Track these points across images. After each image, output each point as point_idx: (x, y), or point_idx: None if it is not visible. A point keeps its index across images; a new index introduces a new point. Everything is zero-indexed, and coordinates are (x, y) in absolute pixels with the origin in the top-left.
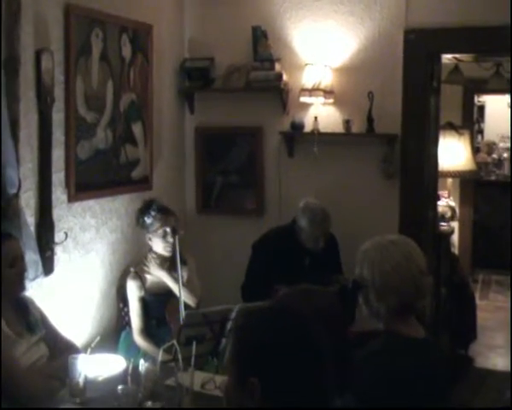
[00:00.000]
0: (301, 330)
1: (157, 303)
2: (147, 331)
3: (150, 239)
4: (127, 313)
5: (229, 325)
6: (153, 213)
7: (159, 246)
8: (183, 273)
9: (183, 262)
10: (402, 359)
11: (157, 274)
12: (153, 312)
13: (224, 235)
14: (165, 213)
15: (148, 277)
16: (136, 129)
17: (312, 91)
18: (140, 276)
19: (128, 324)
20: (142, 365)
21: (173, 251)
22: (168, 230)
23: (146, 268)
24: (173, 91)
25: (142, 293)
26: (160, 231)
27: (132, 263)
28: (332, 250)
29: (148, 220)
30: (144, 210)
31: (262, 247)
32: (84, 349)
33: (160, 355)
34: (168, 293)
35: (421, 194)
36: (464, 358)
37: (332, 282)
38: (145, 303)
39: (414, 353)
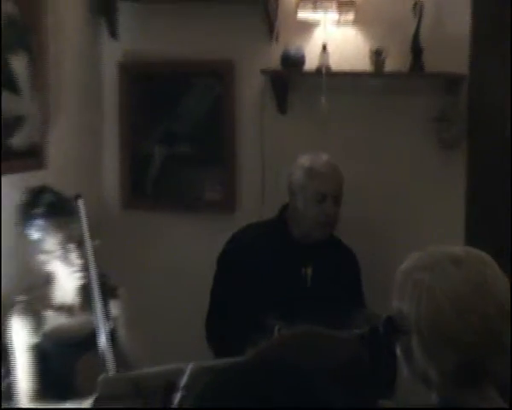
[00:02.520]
0: (302, 401)
1: (62, 357)
2: (44, 402)
3: (47, 261)
4: (6, 375)
5: (177, 397)
6: (40, 221)
7: (62, 272)
8: (112, 310)
9: (112, 293)
10: None
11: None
12: (55, 370)
13: (170, 245)
14: (63, 217)
15: (48, 313)
16: (18, 64)
17: (318, 2)
18: (34, 311)
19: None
20: None
21: (88, 276)
22: (72, 246)
23: (45, 299)
24: (83, 2)
25: (38, 338)
26: (60, 252)
27: (15, 290)
28: (348, 270)
29: (35, 235)
30: (28, 214)
31: (233, 257)
32: None
33: None
34: (82, 342)
35: (501, 176)
36: None
37: (352, 321)
38: (42, 355)
39: None
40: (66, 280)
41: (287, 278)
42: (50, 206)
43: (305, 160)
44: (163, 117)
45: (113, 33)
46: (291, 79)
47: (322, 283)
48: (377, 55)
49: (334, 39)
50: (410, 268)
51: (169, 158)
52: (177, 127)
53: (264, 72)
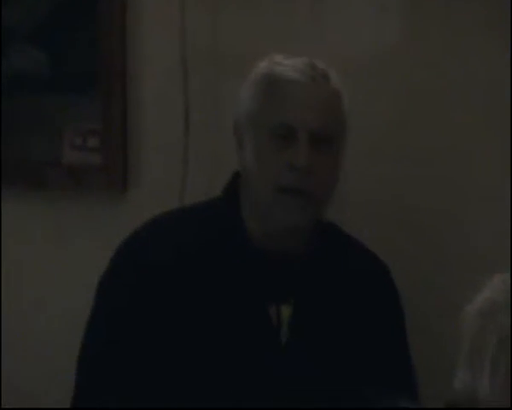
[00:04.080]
0: None
1: None
2: None
3: None
4: None
5: None
6: None
7: None
8: None
9: None
10: None
11: None
12: None
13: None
14: None
15: None
16: None
17: None
18: None
19: None
20: None
21: None
22: None
23: None
24: None
25: None
26: None
27: None
28: (376, 307)
29: None
30: None
31: (132, 287)
32: None
33: None
34: None
35: None
36: None
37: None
38: None
39: None
40: None
41: (238, 330)
42: None
43: (263, 63)
44: None
45: None
46: None
47: (316, 339)
48: None
49: None
50: (488, 307)
51: None
52: (9, 15)
53: None
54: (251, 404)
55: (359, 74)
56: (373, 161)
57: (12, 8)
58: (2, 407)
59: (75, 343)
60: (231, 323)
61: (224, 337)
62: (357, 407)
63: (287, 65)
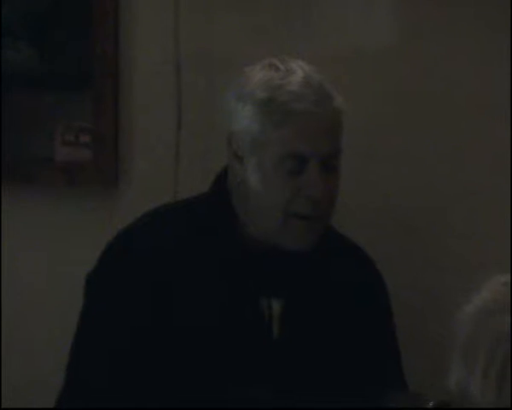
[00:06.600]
0: None
1: None
2: None
3: None
4: None
5: None
6: None
7: None
8: None
9: None
10: None
11: None
12: None
13: None
14: None
15: None
16: None
17: None
18: None
19: None
20: None
21: None
22: None
23: None
24: None
25: None
26: None
27: None
28: (365, 303)
29: None
30: None
31: (121, 283)
32: None
33: None
34: None
35: None
36: None
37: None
38: None
39: None
40: None
41: (229, 323)
42: None
43: (260, 79)
44: None
45: None
46: None
47: (307, 333)
48: None
49: None
50: (484, 310)
51: None
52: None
53: None
54: (242, 397)
55: (353, 74)
56: (366, 163)
57: (6, 6)
58: (3, 407)
59: (68, 339)
60: (223, 316)
61: (215, 330)
62: (355, 406)
63: (290, 91)
